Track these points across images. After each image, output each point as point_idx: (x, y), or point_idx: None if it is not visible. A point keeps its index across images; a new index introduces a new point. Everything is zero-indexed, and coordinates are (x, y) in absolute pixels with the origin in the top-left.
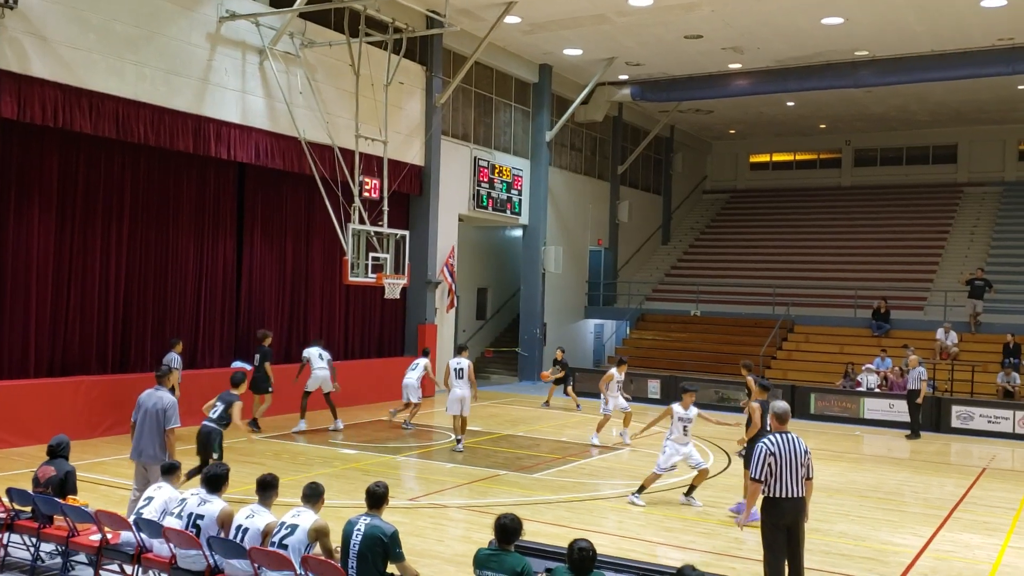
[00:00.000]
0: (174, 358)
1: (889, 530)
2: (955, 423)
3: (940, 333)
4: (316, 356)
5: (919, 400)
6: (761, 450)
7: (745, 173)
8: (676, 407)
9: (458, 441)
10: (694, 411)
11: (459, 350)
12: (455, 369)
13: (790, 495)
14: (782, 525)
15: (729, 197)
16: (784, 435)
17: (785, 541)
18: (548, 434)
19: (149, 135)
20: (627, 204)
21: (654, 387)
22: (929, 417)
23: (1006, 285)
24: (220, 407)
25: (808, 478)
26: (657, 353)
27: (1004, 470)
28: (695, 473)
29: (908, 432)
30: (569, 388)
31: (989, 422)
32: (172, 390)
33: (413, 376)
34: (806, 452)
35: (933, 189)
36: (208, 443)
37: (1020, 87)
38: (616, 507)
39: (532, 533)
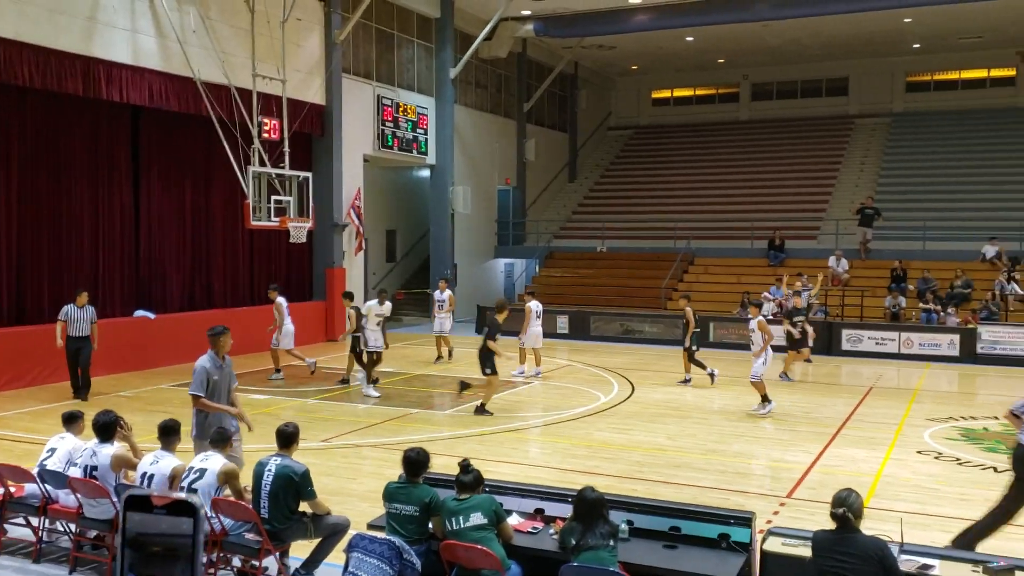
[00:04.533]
0: (69, 310)
1: (781, 449)
2: (845, 346)
3: (832, 260)
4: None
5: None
6: None
7: (647, 109)
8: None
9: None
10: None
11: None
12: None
13: None
14: None
15: (633, 133)
16: None
17: None
18: (460, 373)
19: (35, 77)
20: (533, 142)
21: (563, 323)
22: (821, 340)
23: (894, 213)
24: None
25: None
26: (566, 290)
27: (889, 388)
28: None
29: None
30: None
31: (877, 344)
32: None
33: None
34: None
35: (826, 121)
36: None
37: (906, 20)
38: (524, 438)
39: (442, 467)
